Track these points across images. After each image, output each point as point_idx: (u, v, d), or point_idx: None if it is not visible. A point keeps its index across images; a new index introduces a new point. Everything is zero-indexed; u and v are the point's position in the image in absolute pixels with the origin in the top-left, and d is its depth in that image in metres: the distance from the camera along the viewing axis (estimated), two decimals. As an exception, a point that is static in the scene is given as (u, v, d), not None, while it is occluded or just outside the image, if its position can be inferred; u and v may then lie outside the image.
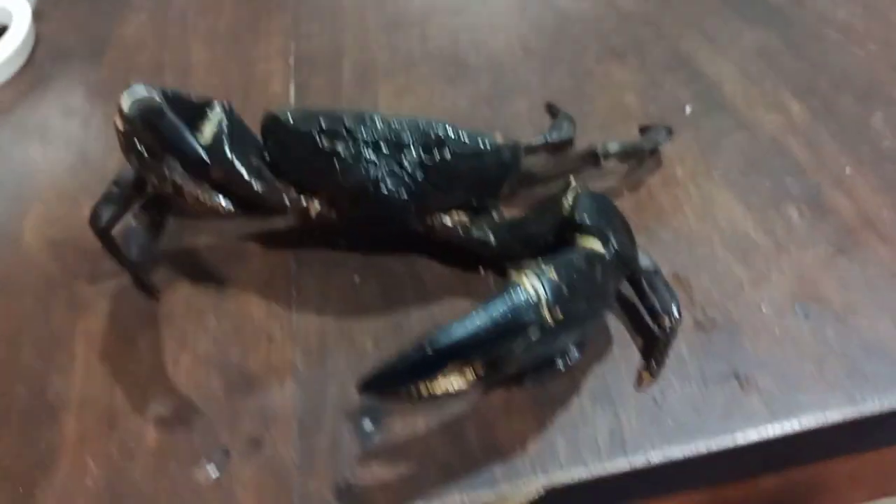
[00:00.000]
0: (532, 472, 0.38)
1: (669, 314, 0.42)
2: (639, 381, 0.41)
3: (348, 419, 0.41)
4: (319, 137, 0.44)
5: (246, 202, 0.47)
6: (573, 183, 0.43)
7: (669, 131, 0.53)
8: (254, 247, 0.51)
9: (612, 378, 0.42)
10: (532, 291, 0.36)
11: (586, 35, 0.66)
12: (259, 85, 0.65)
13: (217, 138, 0.46)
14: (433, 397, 0.38)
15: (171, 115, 0.42)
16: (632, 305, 0.45)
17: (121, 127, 0.44)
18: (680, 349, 0.43)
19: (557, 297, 0.37)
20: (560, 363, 0.41)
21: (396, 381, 0.37)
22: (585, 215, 0.41)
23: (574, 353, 0.41)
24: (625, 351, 0.43)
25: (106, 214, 0.46)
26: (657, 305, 0.42)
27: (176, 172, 0.44)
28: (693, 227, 0.48)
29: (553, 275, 0.37)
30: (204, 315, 0.47)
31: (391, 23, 0.70)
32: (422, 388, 0.38)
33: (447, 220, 0.46)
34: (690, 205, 0.50)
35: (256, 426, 0.42)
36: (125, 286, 0.49)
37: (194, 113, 0.46)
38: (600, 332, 0.43)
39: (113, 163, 0.60)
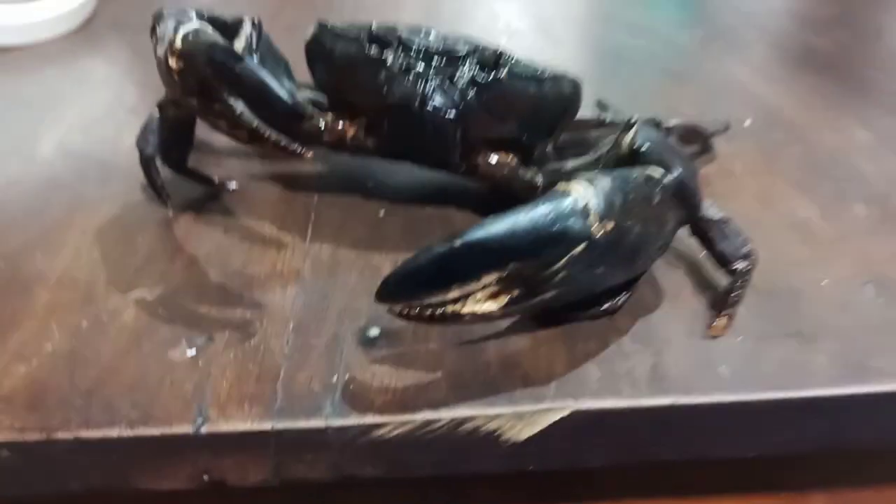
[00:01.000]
0: (559, 396, 0.33)
1: (746, 256, 0.37)
2: (711, 329, 0.36)
3: (352, 323, 0.36)
4: (368, 44, 0.42)
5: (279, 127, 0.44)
6: (635, 118, 0.39)
7: (728, 125, 0.50)
8: (275, 185, 0.48)
9: (658, 322, 0.37)
10: (582, 196, 0.32)
11: (643, 60, 0.65)
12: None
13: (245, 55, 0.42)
14: (458, 318, 0.33)
15: (249, 59, 0.38)
16: (686, 260, 0.40)
17: (174, 65, 0.38)
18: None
19: (610, 208, 0.32)
20: (604, 305, 0.36)
21: (420, 285, 0.32)
22: (648, 144, 0.37)
23: (621, 297, 0.37)
24: (674, 301, 0.38)
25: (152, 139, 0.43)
26: (728, 251, 0.37)
27: (246, 115, 0.38)
28: (751, 211, 0.44)
29: (607, 184, 0.33)
30: (212, 226, 0.44)
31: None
32: (448, 308, 0.33)
33: (493, 158, 0.43)
34: (749, 193, 0.47)
35: (249, 319, 0.37)
36: (136, 198, 0.46)
37: (225, 33, 0.42)
38: (647, 281, 0.39)
39: (149, 96, 0.58)
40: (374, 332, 0.36)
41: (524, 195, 0.41)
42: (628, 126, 0.38)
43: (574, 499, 0.39)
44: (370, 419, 0.32)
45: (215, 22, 0.42)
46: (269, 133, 0.38)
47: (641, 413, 0.33)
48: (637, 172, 0.35)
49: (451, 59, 0.41)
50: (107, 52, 0.68)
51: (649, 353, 0.35)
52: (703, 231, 0.38)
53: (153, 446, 0.31)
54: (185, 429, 0.31)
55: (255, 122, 0.38)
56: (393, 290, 0.32)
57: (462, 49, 0.41)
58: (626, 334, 0.36)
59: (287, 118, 0.38)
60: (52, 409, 0.32)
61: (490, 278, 0.32)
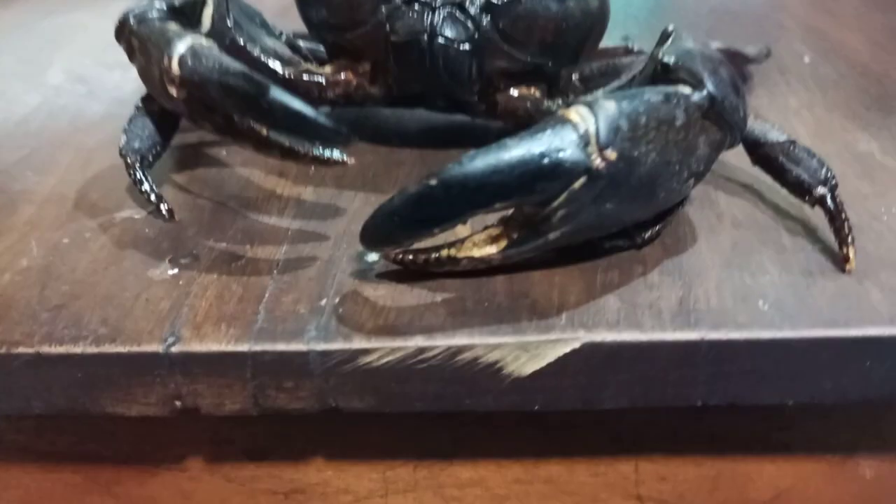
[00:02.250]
0: (570, 327, 0.29)
1: (826, 180, 0.33)
2: (844, 261, 0.32)
3: (350, 248, 0.33)
4: None
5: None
6: (671, 28, 0.35)
7: (769, 51, 0.45)
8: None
9: (692, 255, 0.32)
10: (580, 123, 0.28)
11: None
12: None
13: (217, 23, 0.37)
14: (455, 262, 0.31)
15: (274, 88, 0.30)
16: (730, 186, 0.36)
17: (176, 94, 0.32)
18: (780, 239, 0.33)
19: (613, 134, 0.28)
20: (615, 243, 0.32)
21: (400, 229, 0.29)
22: (675, 57, 0.32)
23: (650, 229, 0.32)
24: (712, 233, 0.34)
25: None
26: (804, 177, 0.33)
27: (274, 136, 0.32)
28: (805, 143, 0.40)
29: (611, 106, 0.28)
30: (212, 154, 0.41)
31: None
32: (444, 252, 0.31)
33: (514, 92, 0.38)
34: (804, 126, 0.42)
35: (239, 240, 0.34)
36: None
37: (194, 8, 0.37)
38: (683, 212, 0.34)
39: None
40: (372, 256, 0.33)
41: None
42: (663, 38, 0.34)
43: (591, 451, 0.35)
44: (357, 344, 0.29)
45: (183, 13, 0.36)
46: (307, 150, 0.32)
47: (664, 348, 0.29)
48: (657, 91, 0.30)
49: None
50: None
51: (679, 286, 0.31)
52: (768, 157, 0.34)
53: (119, 366, 0.29)
54: (154, 347, 0.29)
55: (288, 142, 0.32)
56: (373, 236, 0.29)
57: None
58: (655, 266, 0.32)
59: (318, 134, 0.31)
60: (15, 323, 0.29)
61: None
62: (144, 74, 0.35)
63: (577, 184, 0.28)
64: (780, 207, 0.36)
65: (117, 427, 0.35)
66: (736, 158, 0.36)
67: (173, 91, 0.32)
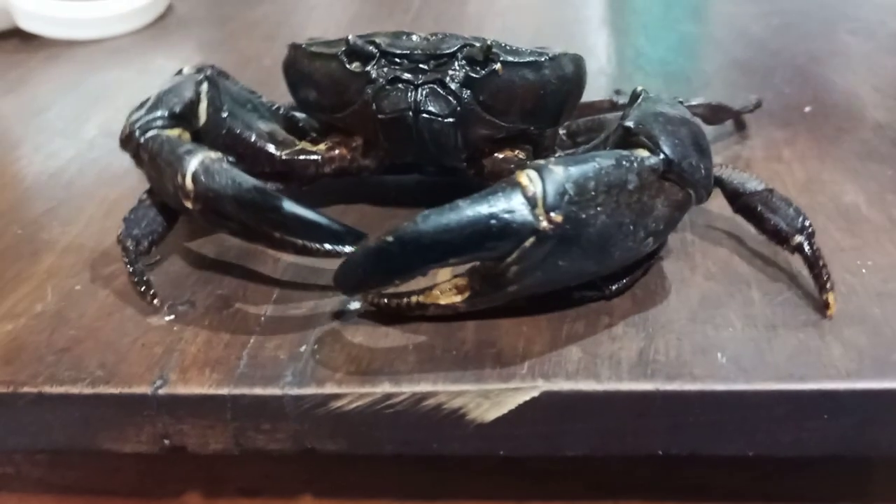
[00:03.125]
0: (530, 377, 0.30)
1: (802, 229, 0.34)
2: (824, 307, 0.33)
3: (335, 296, 0.35)
4: (346, 58, 0.38)
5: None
6: (639, 89, 0.36)
7: (759, 102, 0.46)
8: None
9: (660, 307, 0.33)
10: (528, 186, 0.29)
11: (708, 48, 0.61)
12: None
13: (212, 116, 0.38)
14: (424, 308, 0.33)
15: (286, 201, 0.32)
16: (704, 241, 0.37)
17: (192, 206, 0.34)
18: (750, 292, 0.34)
19: (559, 198, 0.29)
20: (584, 294, 0.33)
21: (364, 278, 0.31)
22: (636, 120, 0.33)
23: (613, 284, 0.34)
24: (683, 286, 0.35)
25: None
26: (781, 226, 0.34)
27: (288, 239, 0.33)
28: (792, 196, 0.40)
29: (559, 171, 0.30)
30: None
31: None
32: (413, 298, 0.33)
33: (500, 155, 0.39)
34: (792, 179, 0.42)
35: (234, 288, 0.36)
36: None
37: (192, 112, 0.38)
38: (654, 273, 0.35)
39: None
40: (354, 304, 0.35)
41: None
42: (633, 98, 0.35)
43: (570, 497, 0.36)
44: (329, 389, 0.30)
45: (183, 116, 0.37)
46: (321, 248, 0.33)
47: (619, 398, 0.30)
48: (610, 155, 0.31)
49: (439, 60, 0.37)
50: (173, 47, 0.70)
51: (641, 338, 0.32)
52: (747, 206, 0.35)
53: (112, 406, 0.31)
54: (143, 389, 0.31)
55: (301, 242, 0.33)
56: (342, 282, 0.32)
57: (449, 47, 0.37)
58: (622, 318, 0.33)
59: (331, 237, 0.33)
60: (24, 365, 0.32)
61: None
62: (156, 184, 0.36)
63: (528, 243, 0.29)
64: (757, 255, 0.36)
65: (122, 463, 0.37)
66: (718, 207, 0.37)
67: (188, 204, 0.34)
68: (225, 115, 0.39)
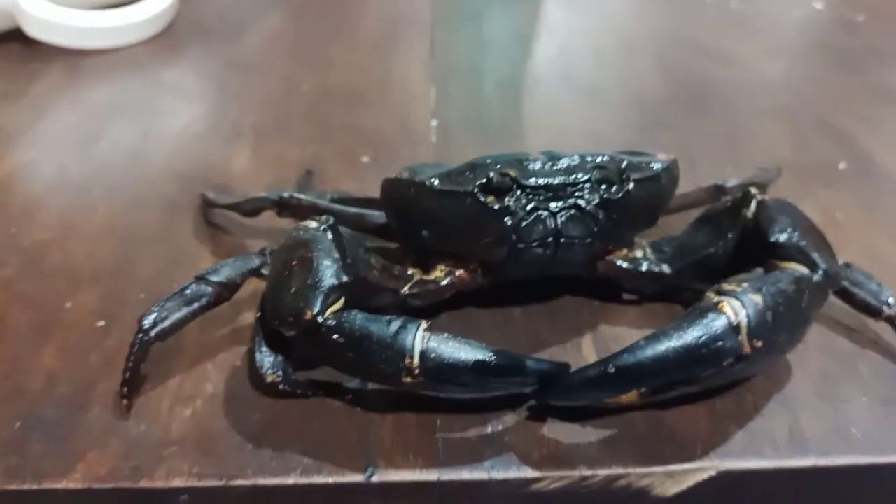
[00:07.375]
0: (705, 457, 0.34)
1: (886, 301, 0.39)
2: None
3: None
4: (482, 195, 0.37)
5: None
6: (752, 190, 0.40)
7: (779, 171, 0.52)
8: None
9: (787, 383, 0.38)
10: (734, 317, 0.34)
11: (734, 95, 0.66)
12: (398, 84, 0.65)
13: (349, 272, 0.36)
14: (602, 403, 0.36)
15: (529, 359, 0.34)
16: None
17: (409, 381, 0.34)
18: (857, 367, 0.39)
19: (760, 326, 0.34)
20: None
21: (573, 398, 0.35)
22: (781, 234, 0.38)
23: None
24: (799, 359, 0.39)
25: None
26: (869, 299, 0.39)
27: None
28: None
29: (759, 300, 0.34)
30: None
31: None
32: None
33: (618, 261, 0.41)
34: (856, 248, 0.47)
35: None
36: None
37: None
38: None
39: (249, 116, 0.59)
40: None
41: (650, 285, 0.42)
42: (746, 199, 0.40)
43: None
44: (530, 473, 0.34)
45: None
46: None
47: (783, 474, 0.34)
48: (785, 280, 0.36)
49: (573, 185, 0.38)
50: (193, 57, 0.69)
51: (785, 415, 0.37)
52: (843, 291, 0.40)
53: (326, 494, 0.33)
54: (356, 478, 0.33)
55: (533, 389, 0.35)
56: (552, 400, 0.36)
57: (584, 172, 0.38)
58: (759, 393, 0.38)
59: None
60: (225, 455, 0.34)
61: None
62: (351, 364, 0.35)
63: (726, 363, 0.34)
64: (851, 329, 0.41)
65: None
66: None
67: (407, 379, 0.34)
68: (349, 261, 0.36)
